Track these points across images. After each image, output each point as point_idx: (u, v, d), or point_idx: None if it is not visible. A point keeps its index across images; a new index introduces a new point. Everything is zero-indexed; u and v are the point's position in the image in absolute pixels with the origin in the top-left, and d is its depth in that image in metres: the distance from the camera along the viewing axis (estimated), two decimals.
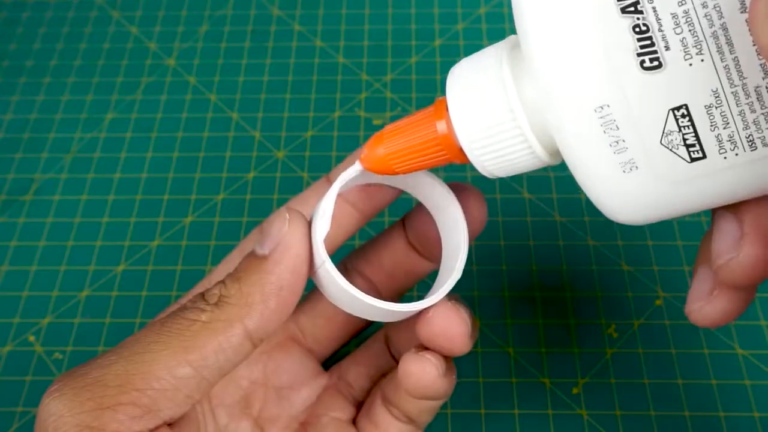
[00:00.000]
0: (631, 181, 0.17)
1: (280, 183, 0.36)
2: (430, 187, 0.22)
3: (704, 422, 0.29)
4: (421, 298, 0.21)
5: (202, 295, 0.19)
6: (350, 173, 0.21)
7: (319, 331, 0.25)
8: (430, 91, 0.39)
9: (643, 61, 0.16)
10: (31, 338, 0.32)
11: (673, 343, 0.31)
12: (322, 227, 0.20)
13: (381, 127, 0.37)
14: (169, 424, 0.18)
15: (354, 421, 0.25)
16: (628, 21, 0.16)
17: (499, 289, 0.32)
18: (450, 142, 0.19)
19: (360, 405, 0.25)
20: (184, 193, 0.36)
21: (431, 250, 0.24)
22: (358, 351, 0.25)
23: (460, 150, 0.19)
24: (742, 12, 0.15)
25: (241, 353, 0.19)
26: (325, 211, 0.20)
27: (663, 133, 0.16)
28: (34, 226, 0.35)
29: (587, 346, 0.31)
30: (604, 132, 0.16)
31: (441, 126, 0.19)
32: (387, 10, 0.42)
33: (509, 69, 0.18)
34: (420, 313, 0.21)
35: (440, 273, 0.23)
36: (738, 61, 0.15)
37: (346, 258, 0.25)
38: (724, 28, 0.15)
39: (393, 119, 0.38)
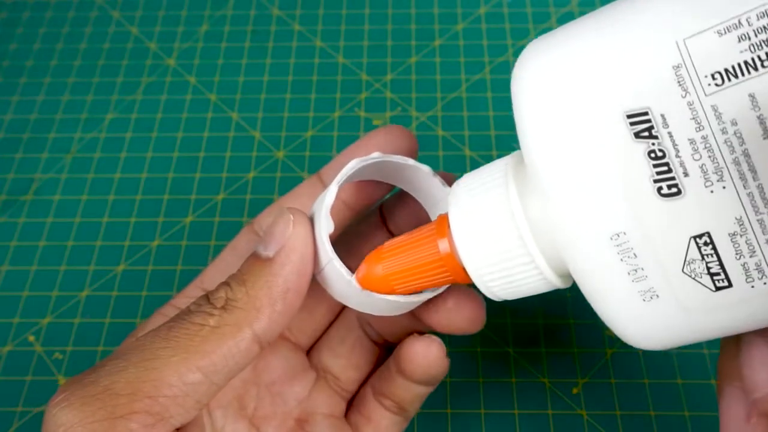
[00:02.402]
0: (652, 310, 0.16)
1: (280, 183, 0.36)
2: (424, 180, 0.22)
3: (704, 422, 0.29)
4: None
5: (208, 298, 0.19)
6: (348, 170, 0.21)
7: (303, 323, 0.25)
8: (430, 91, 0.39)
9: (660, 188, 0.15)
10: (31, 338, 0.32)
11: None
12: (326, 226, 0.20)
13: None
14: (178, 429, 0.18)
15: (346, 415, 0.25)
16: (642, 146, 0.15)
17: None
18: (453, 262, 0.19)
19: (350, 396, 0.25)
20: (184, 193, 0.36)
21: None
22: (334, 341, 0.25)
23: (465, 270, 0.19)
24: (765, 138, 0.14)
25: (249, 357, 0.19)
26: (329, 210, 0.20)
27: (685, 261, 0.15)
28: (34, 226, 0.35)
29: (587, 346, 0.31)
30: (621, 260, 0.15)
31: (443, 245, 0.19)
32: (387, 10, 0.42)
33: (516, 190, 0.17)
34: (430, 302, 0.21)
35: None
36: (762, 188, 0.14)
37: None
38: (747, 155, 0.14)
39: (393, 119, 0.38)
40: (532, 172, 0.16)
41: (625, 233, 0.15)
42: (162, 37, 0.42)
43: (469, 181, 0.19)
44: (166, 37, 0.42)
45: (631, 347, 0.31)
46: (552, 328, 0.31)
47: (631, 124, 0.15)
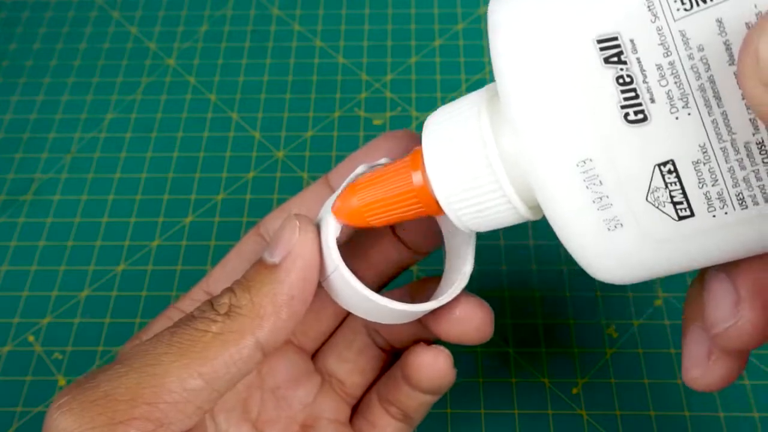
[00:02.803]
0: (615, 240, 0.16)
1: (280, 183, 0.36)
2: None
3: (704, 422, 0.29)
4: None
5: (211, 304, 0.19)
6: (354, 176, 0.21)
7: (309, 327, 0.25)
8: (430, 91, 0.39)
9: (627, 114, 0.15)
10: (31, 338, 0.32)
11: (673, 343, 0.31)
12: (333, 232, 0.20)
13: (381, 127, 0.37)
14: None
15: (350, 421, 0.25)
16: (611, 71, 0.15)
17: (499, 289, 0.32)
18: (426, 194, 0.19)
19: (355, 402, 0.25)
20: (184, 193, 0.36)
21: (418, 242, 0.24)
22: (341, 346, 0.25)
23: (437, 203, 0.19)
24: (730, 64, 0.14)
25: (251, 364, 0.19)
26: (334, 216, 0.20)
27: (649, 189, 0.15)
28: (34, 226, 0.35)
29: (587, 346, 0.31)
30: (587, 188, 0.15)
31: (417, 178, 0.19)
32: (387, 10, 0.42)
33: (488, 120, 0.17)
34: (437, 311, 0.21)
35: (446, 270, 0.23)
36: (726, 115, 0.14)
37: None
38: (712, 81, 0.14)
39: (393, 119, 0.38)
40: (504, 99, 0.16)
41: (591, 160, 0.15)
42: (162, 37, 0.42)
43: (442, 112, 0.19)
44: (166, 37, 0.42)
45: (631, 347, 0.31)
46: (552, 328, 0.31)
47: (601, 49, 0.15)
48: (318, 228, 0.20)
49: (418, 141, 0.22)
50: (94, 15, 0.43)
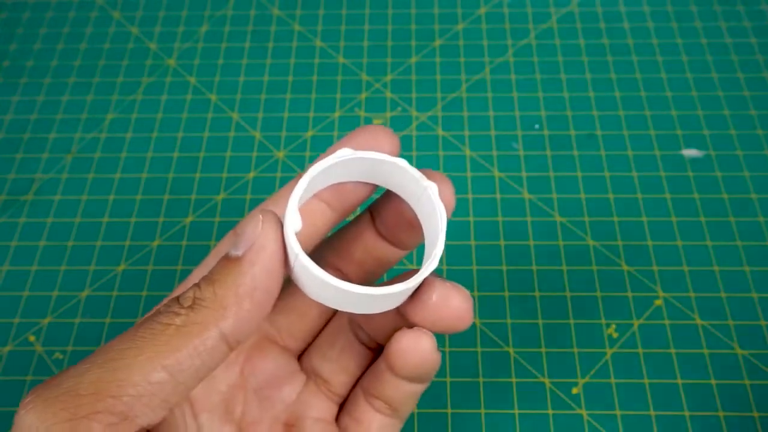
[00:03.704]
0: None
1: (280, 183, 0.36)
2: (404, 177, 0.22)
3: (704, 422, 0.29)
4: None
5: (177, 299, 0.19)
6: (319, 167, 0.21)
7: (293, 326, 0.25)
8: (430, 91, 0.39)
9: None
10: (32, 338, 0.32)
11: (673, 343, 0.31)
12: (292, 224, 0.20)
13: None
14: (148, 431, 0.18)
15: (336, 420, 0.24)
16: None
17: (499, 289, 0.32)
18: None
19: (341, 400, 0.25)
20: (184, 193, 0.36)
21: (400, 238, 0.24)
22: (325, 345, 0.25)
23: None
24: None
25: (217, 356, 0.19)
26: (294, 206, 0.20)
27: None
28: (34, 226, 0.35)
29: (587, 346, 0.31)
30: None
31: None
32: (387, 10, 0.42)
33: None
34: (414, 298, 0.21)
35: (424, 258, 0.23)
36: None
37: (313, 252, 0.25)
38: None
39: (393, 119, 0.38)
40: None
41: None
42: (162, 38, 0.42)
43: None
44: (167, 37, 0.42)
45: (631, 347, 0.31)
46: (552, 328, 0.31)
47: None
48: (282, 222, 0.20)
49: (392, 137, 0.22)
50: (94, 15, 0.43)
